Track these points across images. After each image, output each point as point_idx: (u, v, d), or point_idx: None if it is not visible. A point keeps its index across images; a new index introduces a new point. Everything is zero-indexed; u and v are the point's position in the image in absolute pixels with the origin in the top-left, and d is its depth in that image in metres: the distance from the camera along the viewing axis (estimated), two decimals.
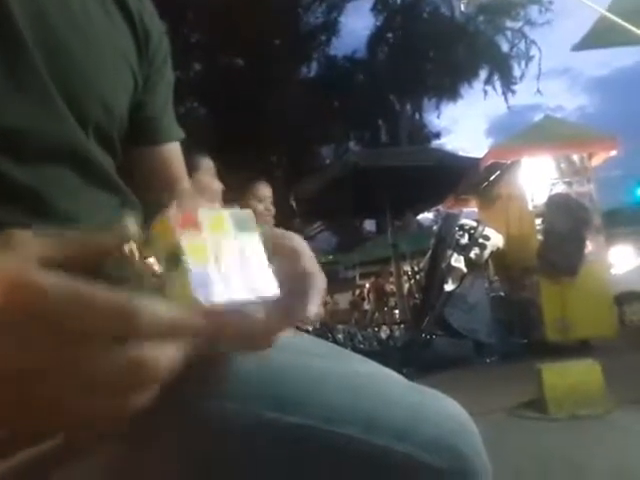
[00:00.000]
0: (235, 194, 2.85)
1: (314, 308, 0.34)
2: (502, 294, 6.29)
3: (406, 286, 7.92)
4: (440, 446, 0.38)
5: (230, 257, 0.31)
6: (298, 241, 0.37)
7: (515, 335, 5.69)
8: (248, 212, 0.33)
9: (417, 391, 0.42)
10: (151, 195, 0.59)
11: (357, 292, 12.16)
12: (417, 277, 7.31)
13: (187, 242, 0.29)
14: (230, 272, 0.30)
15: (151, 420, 0.34)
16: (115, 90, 0.53)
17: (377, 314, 9.11)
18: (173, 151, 0.64)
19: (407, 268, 8.08)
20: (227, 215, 0.32)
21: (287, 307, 0.33)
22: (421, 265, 7.20)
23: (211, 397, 0.35)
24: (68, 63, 0.48)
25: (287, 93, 14.59)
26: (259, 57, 14.36)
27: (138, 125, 0.57)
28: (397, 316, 8.14)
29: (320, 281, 0.36)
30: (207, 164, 2.33)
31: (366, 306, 9.77)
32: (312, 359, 0.42)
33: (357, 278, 13.82)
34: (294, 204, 7.44)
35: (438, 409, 0.41)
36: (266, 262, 0.32)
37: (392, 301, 9.13)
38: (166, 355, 0.26)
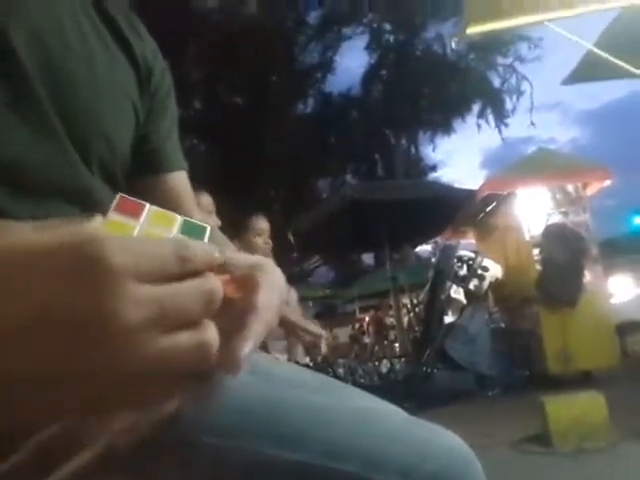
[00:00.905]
0: (233, 229, 2.86)
1: (243, 347, 0.30)
2: (502, 325, 6.23)
3: (406, 319, 7.86)
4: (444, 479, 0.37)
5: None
6: (266, 274, 0.35)
7: (516, 367, 5.62)
8: (204, 225, 0.32)
9: (419, 426, 0.41)
10: None
11: (357, 326, 12.05)
12: (416, 310, 7.27)
13: (115, 221, 0.28)
14: None
15: (151, 455, 0.34)
16: (117, 126, 0.54)
17: (377, 347, 9.00)
18: (179, 181, 0.63)
19: (406, 301, 8.03)
20: (179, 220, 0.31)
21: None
22: (420, 298, 7.16)
23: (210, 433, 0.35)
24: (71, 100, 0.49)
25: (284, 129, 14.83)
26: (257, 95, 14.67)
27: (142, 157, 0.58)
28: (397, 349, 8.05)
29: (262, 321, 0.32)
30: (206, 200, 2.35)
31: (366, 340, 9.66)
32: (312, 394, 0.42)
33: (357, 312, 13.72)
34: (292, 238, 7.45)
35: (440, 444, 0.40)
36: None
37: (392, 334, 9.04)
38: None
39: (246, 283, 0.33)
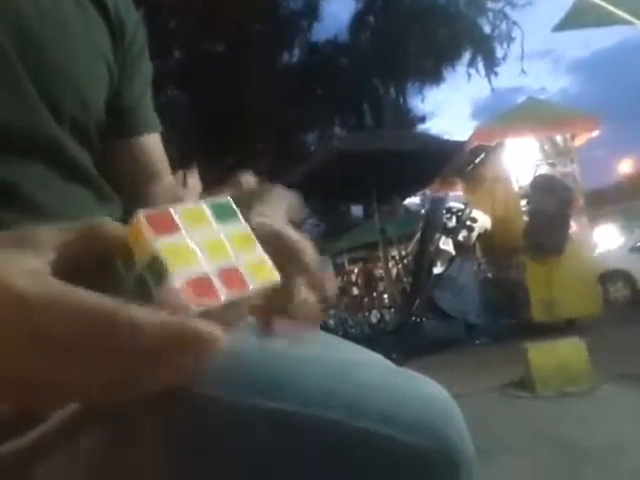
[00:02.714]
0: (219, 187, 2.82)
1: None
2: (489, 275, 6.35)
3: (394, 270, 7.96)
4: (424, 429, 0.38)
5: (218, 251, 0.29)
6: (277, 225, 0.36)
7: (503, 316, 5.77)
8: (226, 200, 0.32)
9: (400, 375, 0.42)
10: (133, 188, 0.59)
11: (345, 278, 12.21)
12: (405, 261, 7.36)
13: (165, 246, 0.27)
14: (222, 266, 0.28)
15: (133, 404, 0.35)
16: (90, 83, 0.53)
17: (366, 299, 9.16)
18: (152, 143, 0.63)
19: (395, 253, 8.12)
20: (205, 207, 0.31)
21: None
22: (409, 249, 7.24)
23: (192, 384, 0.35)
24: (42, 58, 0.48)
25: (269, 79, 14.45)
26: (240, 43, 14.18)
27: (115, 116, 0.57)
28: (386, 300, 8.19)
29: (308, 254, 0.35)
30: (193, 181, 2.29)
31: (355, 291, 9.81)
32: (298, 346, 0.43)
33: (345, 264, 13.87)
34: None
35: (421, 393, 0.41)
36: (258, 247, 0.31)
37: (381, 286, 9.18)
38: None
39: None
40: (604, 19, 3.76)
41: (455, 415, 0.41)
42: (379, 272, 9.55)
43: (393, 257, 8.04)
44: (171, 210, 0.29)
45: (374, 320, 6.21)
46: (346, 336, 0.58)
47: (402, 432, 0.37)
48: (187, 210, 0.30)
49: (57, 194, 0.48)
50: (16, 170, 0.45)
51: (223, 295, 0.27)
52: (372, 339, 5.35)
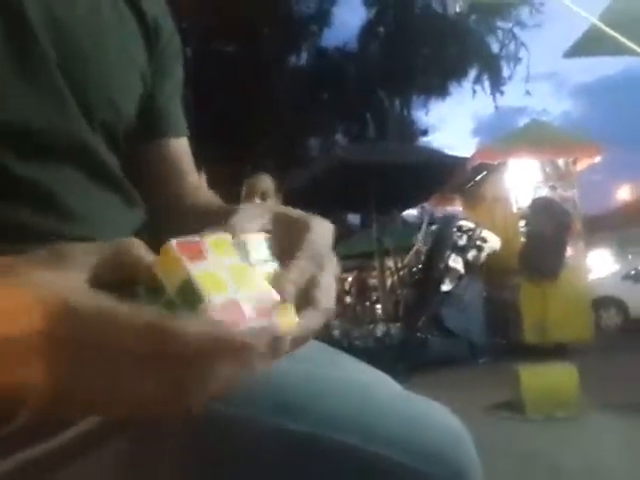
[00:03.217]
0: (231, 188, 2.76)
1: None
2: (484, 294, 6.38)
3: (389, 281, 7.97)
4: (435, 456, 0.39)
5: (244, 280, 0.30)
6: (314, 225, 0.36)
7: (495, 336, 5.79)
8: (260, 236, 0.33)
9: (415, 401, 0.43)
10: (159, 191, 0.60)
11: (339, 285, 12.19)
12: (400, 273, 7.37)
13: (198, 272, 0.28)
14: (249, 295, 0.29)
15: (153, 419, 0.35)
16: (124, 89, 0.53)
17: (359, 307, 9.16)
18: (180, 147, 0.63)
19: (390, 264, 8.13)
20: (229, 238, 0.32)
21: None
22: (405, 261, 7.25)
23: (215, 401, 0.35)
24: (80, 63, 0.48)
25: (276, 82, 14.49)
26: (249, 44, 14.22)
27: (145, 119, 0.57)
28: (379, 311, 8.20)
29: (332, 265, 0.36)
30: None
31: (348, 300, 9.81)
32: (311, 366, 0.43)
33: (339, 272, 13.86)
34: (280, 195, 7.40)
35: (433, 420, 0.42)
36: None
37: (374, 296, 9.19)
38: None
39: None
40: (614, 49, 3.81)
41: (466, 443, 0.42)
42: (373, 282, 9.56)
43: (388, 268, 8.06)
44: (199, 239, 0.30)
45: (379, 333, 6.20)
46: (350, 348, 0.58)
47: (413, 459, 0.38)
48: (215, 239, 0.31)
49: (87, 199, 0.48)
50: (52, 175, 0.46)
51: (252, 322, 0.28)
52: (376, 352, 5.35)
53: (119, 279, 0.30)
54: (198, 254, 0.29)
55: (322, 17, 17.18)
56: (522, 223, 5.85)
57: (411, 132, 18.03)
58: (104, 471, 0.36)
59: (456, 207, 7.74)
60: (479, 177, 6.74)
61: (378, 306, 8.40)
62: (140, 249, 0.30)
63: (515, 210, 5.93)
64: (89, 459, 0.36)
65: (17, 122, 0.44)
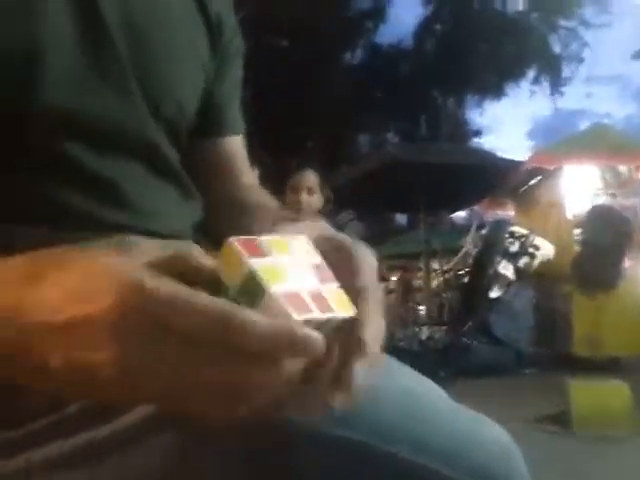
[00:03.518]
0: (277, 184, 2.74)
1: (373, 335, 0.32)
2: (534, 302, 6.19)
3: (434, 283, 7.86)
4: (485, 472, 0.38)
5: (303, 275, 0.30)
6: (360, 253, 0.35)
7: (543, 346, 5.61)
8: (305, 238, 0.33)
9: (466, 415, 0.43)
10: (213, 187, 0.61)
11: (383, 285, 12.13)
12: (446, 275, 7.24)
13: (258, 266, 0.28)
14: (309, 288, 0.30)
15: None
16: (187, 87, 0.54)
17: (402, 309, 9.08)
18: (236, 144, 0.64)
19: (436, 266, 8.00)
20: (286, 240, 0.32)
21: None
22: (452, 264, 7.12)
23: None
24: (148, 60, 0.50)
25: (329, 78, 14.47)
26: (303, 40, 14.26)
27: (204, 116, 0.58)
28: (422, 313, 8.09)
29: (378, 298, 0.34)
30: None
31: (392, 300, 9.73)
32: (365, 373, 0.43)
33: (384, 271, 13.78)
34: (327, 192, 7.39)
35: (486, 436, 0.41)
36: (335, 281, 0.32)
37: (418, 297, 9.08)
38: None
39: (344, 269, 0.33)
40: None
41: (517, 461, 0.41)
42: (418, 283, 9.44)
43: (434, 270, 7.93)
44: (258, 237, 0.31)
45: (424, 337, 6.12)
46: (394, 350, 0.58)
47: (462, 474, 0.37)
48: (271, 240, 0.31)
49: (149, 192, 0.49)
50: (117, 167, 0.47)
51: (316, 313, 0.28)
52: (420, 355, 5.28)
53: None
54: (257, 251, 0.30)
55: (378, 13, 17.01)
56: (577, 231, 5.63)
57: (464, 133, 17.65)
58: (150, 463, 0.37)
59: (507, 211, 7.53)
60: (533, 181, 6.53)
61: (421, 307, 8.29)
62: (200, 257, 0.29)
63: (570, 217, 5.71)
64: (138, 450, 0.37)
65: (88, 115, 0.45)
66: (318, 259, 0.32)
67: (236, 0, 0.64)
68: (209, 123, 0.60)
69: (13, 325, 0.27)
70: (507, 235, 5.38)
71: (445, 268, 7.45)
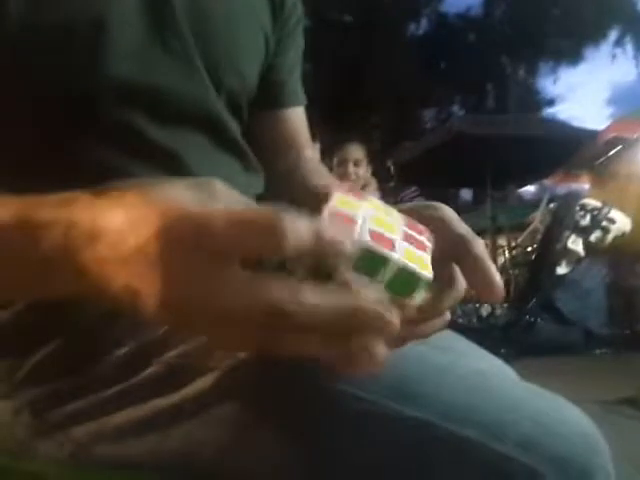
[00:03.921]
0: (329, 158, 2.79)
1: (488, 277, 0.33)
2: (609, 280, 5.85)
3: (501, 260, 7.60)
4: (568, 464, 0.35)
5: (399, 231, 0.31)
6: (445, 210, 0.37)
7: (618, 326, 5.30)
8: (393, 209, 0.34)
9: (541, 397, 0.40)
10: (274, 160, 0.61)
11: None
12: (513, 252, 6.97)
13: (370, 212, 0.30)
14: (402, 237, 0.30)
15: (268, 388, 0.36)
16: (249, 59, 0.54)
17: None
18: (298, 116, 0.64)
19: (503, 242, 7.73)
20: (373, 199, 0.33)
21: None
22: (519, 240, 6.84)
23: (329, 378, 0.35)
24: (210, 32, 0.50)
25: (393, 52, 14.13)
26: (368, 13, 13.96)
27: (265, 88, 0.58)
28: None
29: (480, 244, 0.35)
30: (314, 155, 2.32)
31: None
32: (433, 351, 0.41)
33: None
34: (392, 167, 7.30)
35: (565, 420, 0.38)
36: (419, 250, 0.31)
37: None
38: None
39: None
40: None
41: (600, 448, 0.38)
42: None
43: (501, 246, 7.66)
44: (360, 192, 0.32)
45: (484, 313, 5.97)
46: (454, 326, 0.56)
47: (542, 463, 0.35)
48: (371, 201, 0.32)
49: (211, 162, 0.50)
50: (179, 138, 0.47)
51: (400, 252, 0.27)
52: (480, 332, 5.14)
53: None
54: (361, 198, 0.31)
55: None
56: None
57: (536, 102, 16.73)
58: (217, 429, 0.37)
59: (582, 184, 7.11)
60: (612, 152, 6.10)
61: None
62: (296, 227, 0.24)
63: None
64: (205, 416, 0.37)
65: (151, 86, 0.46)
66: (404, 224, 0.32)
67: None
68: (271, 95, 0.60)
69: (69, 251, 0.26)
70: (578, 208, 5.07)
71: (512, 245, 7.18)
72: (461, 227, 0.35)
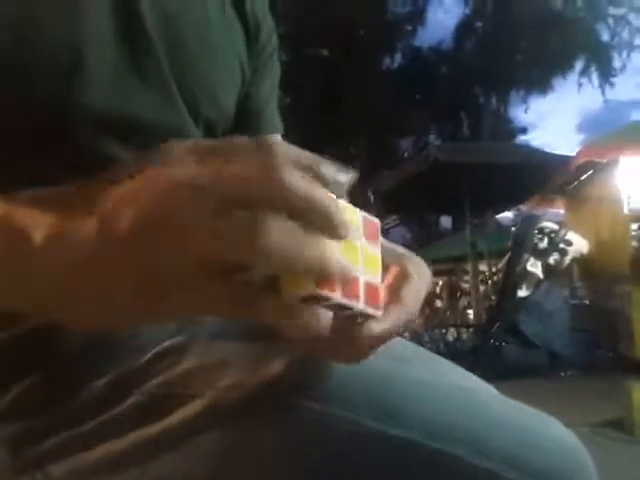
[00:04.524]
0: None
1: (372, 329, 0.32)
2: (586, 302, 5.91)
3: (482, 287, 7.66)
4: (554, 479, 0.35)
5: (373, 265, 0.29)
6: (416, 265, 0.37)
7: (599, 348, 5.34)
8: (377, 221, 0.32)
9: (524, 412, 0.39)
10: None
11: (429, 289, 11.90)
12: (494, 278, 7.05)
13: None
14: (369, 280, 0.29)
15: (252, 414, 0.35)
16: (225, 86, 0.54)
17: (449, 313, 8.90)
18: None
19: (484, 268, 7.82)
20: (358, 213, 0.31)
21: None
22: (499, 266, 6.93)
23: (312, 398, 0.35)
24: (186, 61, 0.50)
25: (369, 84, 14.48)
26: (343, 48, 14.34)
27: (242, 117, 0.58)
28: (470, 317, 7.91)
29: (404, 314, 0.34)
30: None
31: (438, 304, 9.57)
32: (409, 368, 0.41)
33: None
34: (371, 196, 7.39)
35: (550, 435, 0.37)
36: (379, 277, 0.30)
37: (465, 301, 8.88)
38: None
39: (395, 273, 0.35)
40: None
41: (586, 463, 0.37)
42: (465, 287, 9.24)
43: (482, 272, 7.75)
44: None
45: (451, 338, 5.98)
46: None
47: (528, 478, 0.34)
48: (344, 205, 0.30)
49: None
50: None
51: (361, 304, 0.28)
52: (447, 357, 5.14)
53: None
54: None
55: (417, 16, 16.91)
56: (635, 226, 5.35)
57: (509, 130, 17.22)
58: (200, 459, 0.36)
59: (557, 209, 7.26)
60: (584, 176, 6.26)
61: (470, 311, 8.10)
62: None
63: (626, 212, 5.43)
64: (188, 446, 0.36)
65: (128, 116, 0.45)
66: (377, 249, 0.31)
67: (276, 16, 0.64)
68: (248, 124, 0.60)
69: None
70: (536, 231, 5.16)
71: (493, 270, 7.27)
72: (411, 290, 0.36)
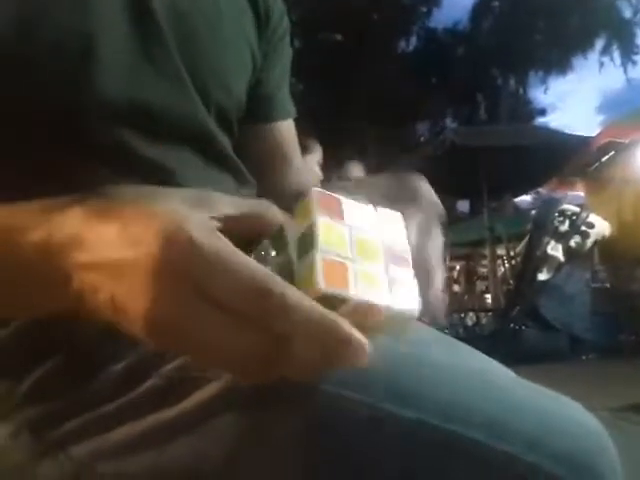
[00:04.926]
0: (324, 174, 2.83)
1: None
2: (607, 286, 5.82)
3: (500, 271, 7.59)
4: (575, 462, 0.34)
5: (370, 254, 0.28)
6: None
7: (620, 331, 5.26)
8: (397, 214, 0.31)
9: (543, 395, 0.38)
10: (266, 173, 0.61)
11: (447, 274, 11.86)
12: (512, 262, 6.98)
13: (324, 223, 0.27)
14: (367, 271, 0.27)
15: (269, 397, 0.35)
16: (236, 73, 0.54)
17: (467, 297, 8.85)
18: (287, 129, 0.64)
19: (502, 252, 7.73)
20: (373, 209, 0.30)
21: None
22: (517, 250, 6.85)
23: (329, 382, 0.34)
24: (196, 47, 0.50)
25: (385, 68, 14.30)
26: (358, 32, 14.16)
27: (253, 102, 0.58)
28: (489, 301, 7.85)
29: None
30: (316, 149, 2.35)
31: (456, 288, 9.51)
32: (427, 351, 0.41)
33: (447, 260, 13.50)
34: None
35: (570, 418, 0.37)
36: (411, 271, 0.29)
37: (483, 285, 8.82)
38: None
39: None
40: None
41: (608, 447, 0.37)
42: (482, 271, 9.17)
43: (500, 256, 7.67)
44: (341, 198, 0.29)
45: (470, 323, 5.92)
46: None
47: (549, 461, 0.33)
48: (357, 205, 0.29)
49: (203, 178, 0.49)
50: (171, 155, 0.47)
51: (352, 290, 0.26)
52: (466, 342, 5.13)
53: (248, 233, 0.31)
54: (333, 210, 0.28)
55: None
56: None
57: (527, 113, 16.89)
58: (216, 442, 0.36)
59: (576, 192, 7.13)
60: (606, 157, 6.14)
61: (488, 296, 8.04)
62: (277, 210, 0.31)
63: None
64: (204, 429, 0.36)
65: (140, 103, 0.46)
66: (401, 244, 0.30)
67: (288, 2, 0.64)
68: (259, 109, 0.60)
69: (53, 258, 0.28)
70: (557, 214, 5.06)
71: (512, 254, 7.18)
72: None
